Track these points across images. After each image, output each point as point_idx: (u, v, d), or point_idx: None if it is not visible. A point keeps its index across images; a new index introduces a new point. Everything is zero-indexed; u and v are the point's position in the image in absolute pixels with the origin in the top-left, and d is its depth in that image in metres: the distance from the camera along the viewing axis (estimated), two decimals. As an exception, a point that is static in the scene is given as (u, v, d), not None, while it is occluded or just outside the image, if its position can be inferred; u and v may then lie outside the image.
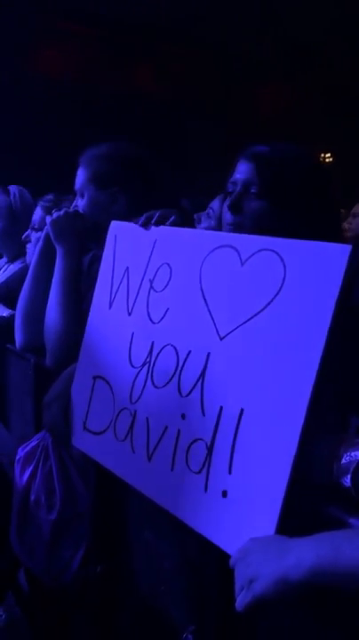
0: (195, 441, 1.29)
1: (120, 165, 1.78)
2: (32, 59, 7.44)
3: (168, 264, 1.44)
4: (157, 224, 1.51)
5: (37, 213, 2.20)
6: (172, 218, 1.51)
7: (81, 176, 1.79)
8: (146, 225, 1.52)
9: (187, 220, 1.64)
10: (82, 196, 1.78)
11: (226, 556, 1.18)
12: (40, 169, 5.41)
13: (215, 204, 2.78)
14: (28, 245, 2.27)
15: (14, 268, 2.57)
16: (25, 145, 6.45)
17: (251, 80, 8.15)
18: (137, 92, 7.73)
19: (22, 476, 1.77)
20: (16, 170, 4.14)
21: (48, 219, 1.77)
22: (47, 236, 1.77)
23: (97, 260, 1.72)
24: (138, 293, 1.51)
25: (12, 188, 2.68)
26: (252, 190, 1.40)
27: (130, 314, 1.52)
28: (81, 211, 1.78)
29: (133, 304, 1.52)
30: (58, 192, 1.93)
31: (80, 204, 1.78)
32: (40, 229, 1.96)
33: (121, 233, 1.62)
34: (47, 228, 1.76)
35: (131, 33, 7.42)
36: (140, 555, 1.66)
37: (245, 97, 8.16)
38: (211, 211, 2.76)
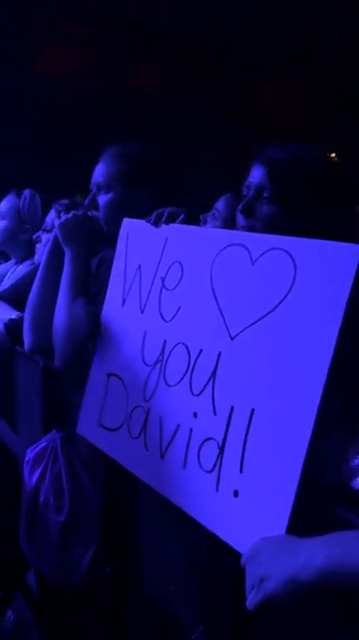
0: (206, 440, 1.30)
1: (150, 166, 1.79)
2: (33, 59, 7.45)
3: (179, 262, 1.45)
4: (167, 222, 1.52)
5: (51, 215, 2.21)
6: (182, 216, 1.52)
7: (106, 172, 1.77)
8: (156, 223, 1.53)
9: (194, 219, 1.64)
10: (106, 191, 1.77)
11: (236, 556, 1.18)
12: (41, 169, 5.42)
13: (220, 204, 2.78)
14: (38, 246, 2.28)
15: (23, 269, 2.58)
16: (27, 145, 6.47)
17: (253, 79, 8.15)
18: (138, 91, 7.73)
19: (31, 478, 1.78)
20: (21, 171, 4.14)
21: (57, 221, 1.78)
22: (56, 238, 1.78)
23: (106, 261, 1.73)
24: (150, 291, 1.52)
25: (26, 192, 2.70)
26: (265, 194, 1.41)
27: (142, 312, 1.53)
28: (103, 205, 1.77)
29: (146, 302, 1.53)
30: (72, 197, 1.93)
31: (103, 199, 1.78)
32: (51, 231, 1.97)
33: (133, 230, 1.63)
34: (55, 230, 1.77)
35: (131, 32, 7.41)
36: (149, 555, 1.66)
37: (247, 96, 8.15)
38: (216, 212, 2.76)
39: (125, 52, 7.68)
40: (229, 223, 2.74)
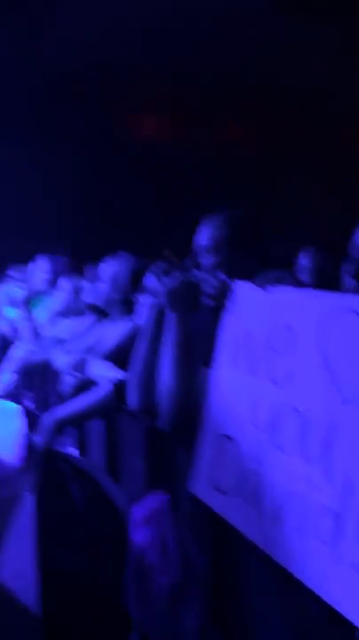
0: (322, 510, 1.27)
1: (252, 231, 1.92)
2: (125, 123, 7.78)
3: (288, 325, 1.45)
4: (274, 284, 1.55)
5: (150, 279, 2.30)
6: (287, 278, 1.55)
7: (211, 235, 1.89)
8: (264, 286, 1.57)
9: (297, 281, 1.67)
10: (211, 254, 1.87)
11: (350, 630, 1.15)
12: (141, 232, 5.61)
13: (304, 260, 2.82)
14: (138, 307, 2.35)
15: (122, 328, 2.66)
16: (125, 210, 6.74)
17: (349, 128, 8.09)
18: (232, 149, 7.88)
19: (138, 538, 1.78)
20: (119, 234, 4.31)
21: (160, 286, 1.83)
22: (161, 303, 1.82)
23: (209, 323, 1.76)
24: (260, 354, 1.53)
25: (120, 255, 2.85)
26: None
27: (253, 374, 1.54)
28: (209, 268, 1.84)
29: (256, 365, 1.53)
30: (169, 262, 2.02)
31: (208, 261, 1.86)
32: (151, 294, 2.03)
33: (243, 293, 1.65)
34: (161, 295, 1.81)
35: (220, 89, 7.58)
36: (256, 621, 1.62)
37: (343, 146, 8.08)
38: (300, 267, 2.81)
39: (216, 110, 7.87)
40: (314, 276, 2.77)
